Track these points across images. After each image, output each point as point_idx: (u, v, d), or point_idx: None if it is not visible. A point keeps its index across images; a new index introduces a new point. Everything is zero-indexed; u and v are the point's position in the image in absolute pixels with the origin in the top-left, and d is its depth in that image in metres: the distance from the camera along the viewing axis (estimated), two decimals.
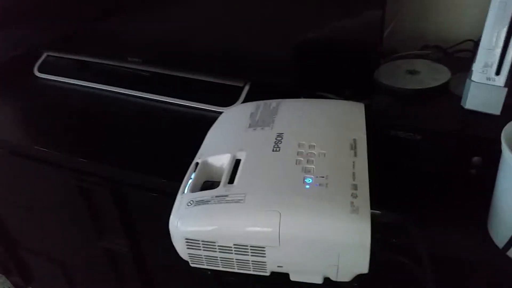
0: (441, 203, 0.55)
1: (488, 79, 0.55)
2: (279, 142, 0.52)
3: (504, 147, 0.44)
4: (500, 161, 0.46)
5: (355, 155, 0.50)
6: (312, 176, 0.46)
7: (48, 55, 0.96)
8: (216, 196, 0.46)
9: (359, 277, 0.46)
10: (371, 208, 0.44)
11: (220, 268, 0.47)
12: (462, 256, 0.49)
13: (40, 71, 0.94)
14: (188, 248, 0.46)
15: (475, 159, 0.55)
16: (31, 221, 0.91)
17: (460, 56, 0.76)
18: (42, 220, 0.88)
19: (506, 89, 0.55)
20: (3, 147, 0.77)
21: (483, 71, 0.55)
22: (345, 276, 0.45)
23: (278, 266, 0.45)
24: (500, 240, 0.48)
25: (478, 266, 0.48)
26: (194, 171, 0.52)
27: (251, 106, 0.62)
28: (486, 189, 0.50)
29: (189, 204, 0.47)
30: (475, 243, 0.50)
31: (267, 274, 0.46)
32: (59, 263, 0.96)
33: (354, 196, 0.44)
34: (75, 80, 0.89)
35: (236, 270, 0.47)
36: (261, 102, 0.62)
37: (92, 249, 0.83)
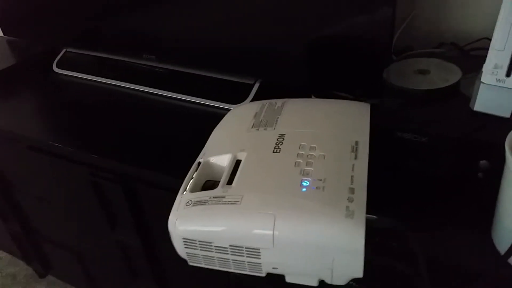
0: (445, 208, 0.53)
1: (498, 80, 0.53)
2: (280, 143, 0.52)
3: (508, 155, 0.42)
4: (504, 169, 0.45)
5: (356, 157, 0.49)
6: (309, 179, 0.46)
7: (66, 51, 0.98)
8: (214, 197, 0.47)
9: (355, 281, 0.46)
10: (368, 213, 0.43)
11: (218, 268, 0.48)
12: (463, 262, 0.48)
13: (58, 66, 0.96)
14: (185, 247, 0.47)
15: (482, 162, 0.54)
16: (49, 213, 0.94)
17: (476, 54, 0.74)
18: (59, 211, 0.90)
19: None
20: (21, 142, 0.80)
21: (493, 72, 0.53)
22: (339, 280, 0.45)
23: (273, 268, 0.46)
24: (502, 248, 0.46)
25: (479, 273, 0.47)
26: (196, 170, 0.52)
27: (256, 105, 0.62)
28: (493, 193, 0.48)
29: (188, 204, 0.47)
30: (478, 250, 0.49)
31: (263, 275, 0.47)
32: (76, 253, 0.99)
33: (350, 200, 0.44)
34: (92, 76, 0.91)
35: (233, 270, 0.48)
36: (267, 102, 0.62)
37: (105, 241, 0.85)
